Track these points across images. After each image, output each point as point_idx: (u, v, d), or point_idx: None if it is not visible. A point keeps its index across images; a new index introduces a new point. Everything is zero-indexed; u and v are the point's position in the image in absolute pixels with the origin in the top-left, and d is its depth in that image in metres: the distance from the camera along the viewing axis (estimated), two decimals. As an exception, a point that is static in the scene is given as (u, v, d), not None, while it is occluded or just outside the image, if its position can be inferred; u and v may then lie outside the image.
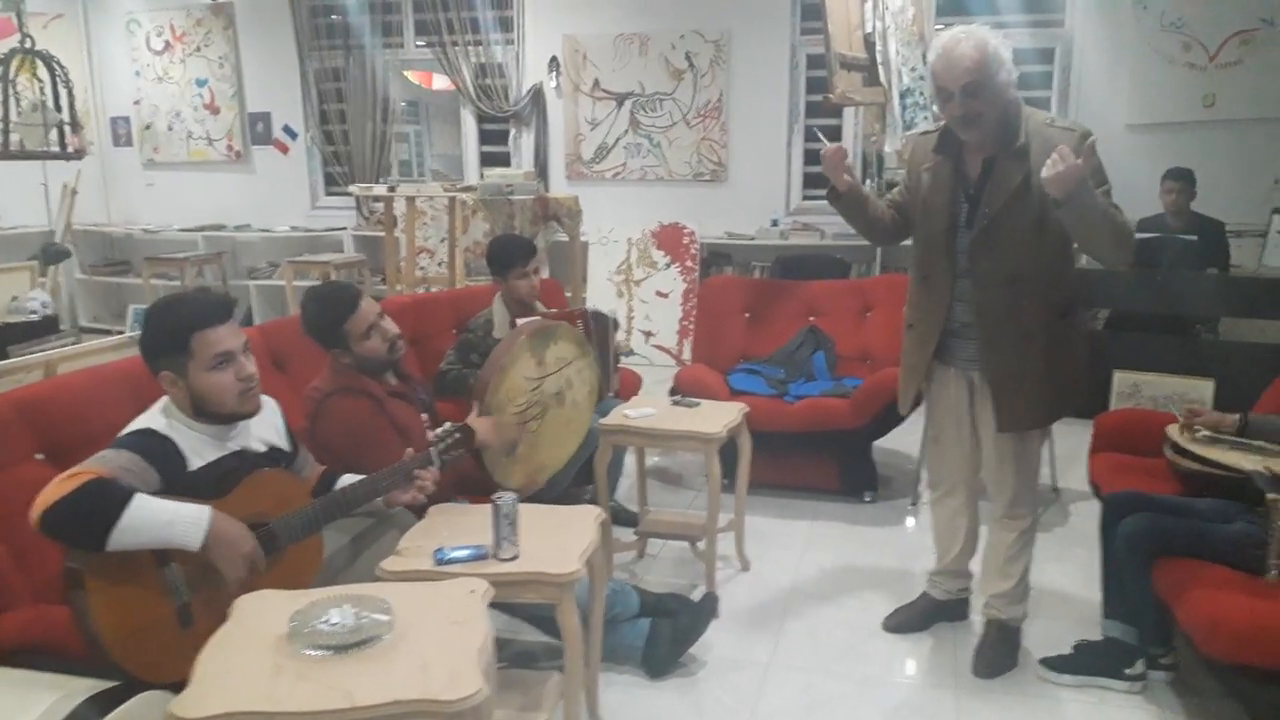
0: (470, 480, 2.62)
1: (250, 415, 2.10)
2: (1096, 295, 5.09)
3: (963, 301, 2.60)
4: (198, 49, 7.81)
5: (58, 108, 5.83)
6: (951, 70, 2.38)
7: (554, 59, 7.02)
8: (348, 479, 2.26)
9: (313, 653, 1.57)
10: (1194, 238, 5.03)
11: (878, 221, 2.74)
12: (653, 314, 6.82)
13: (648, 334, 6.82)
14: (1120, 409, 4.26)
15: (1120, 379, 4.56)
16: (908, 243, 2.79)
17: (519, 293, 3.60)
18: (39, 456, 2.19)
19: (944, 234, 2.57)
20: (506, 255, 3.61)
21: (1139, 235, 5.14)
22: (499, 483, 2.59)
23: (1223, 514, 2.55)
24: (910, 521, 3.90)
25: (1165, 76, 5.89)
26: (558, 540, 2.17)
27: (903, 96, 5.07)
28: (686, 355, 6.44)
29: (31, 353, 3.76)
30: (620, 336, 4.45)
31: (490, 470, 2.59)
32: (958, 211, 2.55)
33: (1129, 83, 5.98)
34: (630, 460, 3.75)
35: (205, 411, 2.02)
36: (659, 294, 6.83)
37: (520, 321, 3.08)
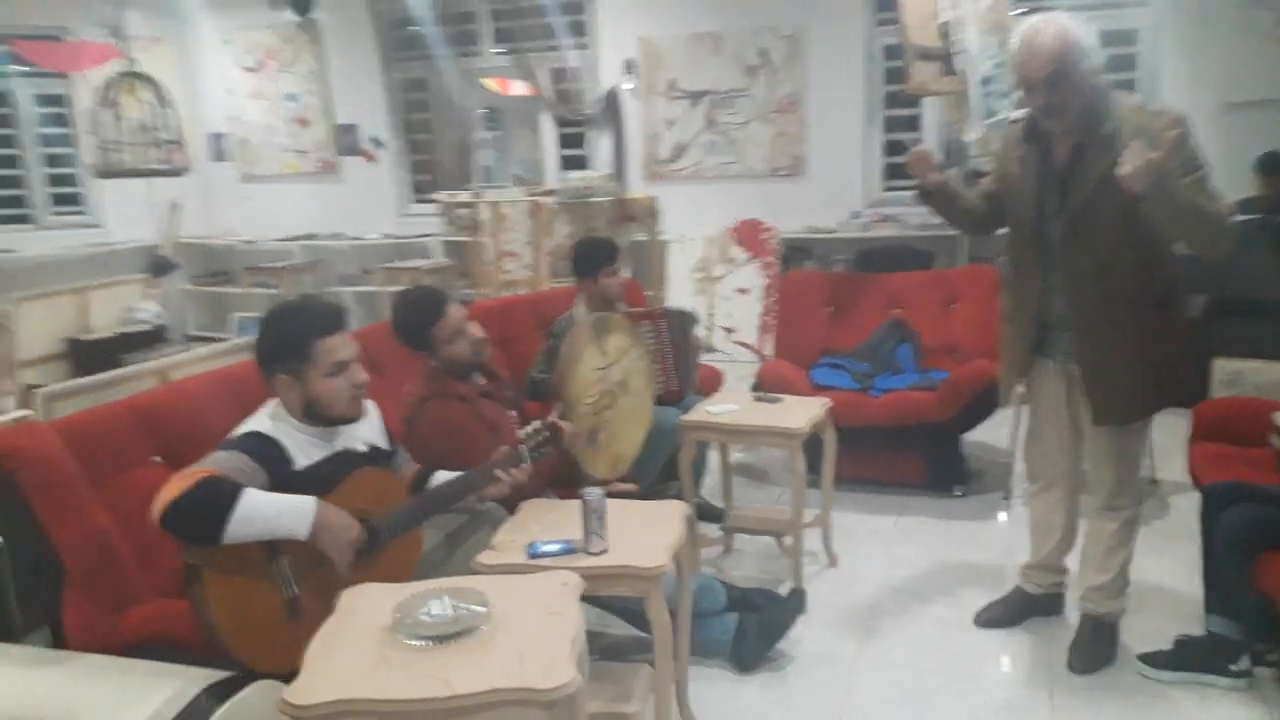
0: (560, 475, 2.68)
1: (357, 419, 2.20)
2: (1195, 281, 4.91)
3: (1056, 292, 2.55)
4: (288, 65, 8.10)
5: (161, 127, 6.13)
6: (1033, 61, 2.35)
7: (629, 61, 7.07)
8: (441, 476, 2.34)
9: (414, 643, 1.64)
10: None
11: (970, 214, 2.73)
12: (733, 311, 6.81)
13: (729, 330, 6.82)
14: (1221, 397, 4.11)
15: (1221, 367, 4.39)
16: (1003, 231, 2.76)
17: (610, 291, 3.65)
18: (156, 459, 2.32)
19: (1032, 223, 2.54)
20: (595, 254, 3.68)
21: (1241, 218, 4.96)
22: (589, 474, 2.66)
23: (1331, 505, 2.45)
24: (1003, 516, 3.83)
25: (1259, 53, 5.65)
26: (645, 535, 2.21)
27: (983, 84, 4.97)
28: (768, 351, 6.42)
29: (145, 360, 3.97)
30: (700, 333, 4.48)
31: (580, 462, 2.66)
32: (1046, 200, 2.51)
33: (1220, 61, 5.74)
34: (714, 456, 3.77)
35: (315, 414, 2.13)
36: (739, 290, 6.82)
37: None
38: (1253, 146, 5.16)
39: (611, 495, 2.21)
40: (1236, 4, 5.66)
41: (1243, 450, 3.01)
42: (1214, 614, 2.60)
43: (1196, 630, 2.65)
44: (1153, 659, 2.62)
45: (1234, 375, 4.38)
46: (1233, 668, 2.51)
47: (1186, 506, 3.59)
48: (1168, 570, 3.20)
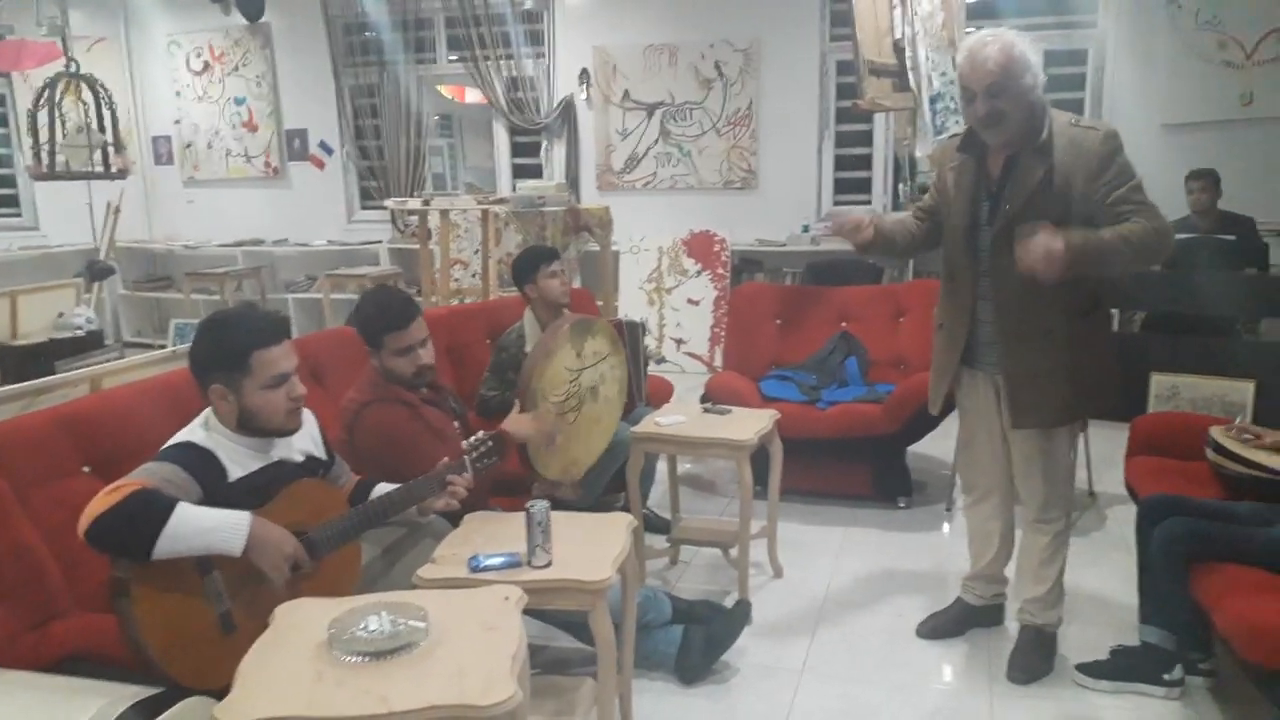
0: (507, 479, 2.65)
1: (293, 432, 2.15)
2: (1133, 297, 5.03)
3: (986, 300, 2.61)
4: (236, 68, 7.98)
5: (101, 129, 5.99)
6: (976, 71, 2.41)
7: (584, 71, 7.08)
8: (383, 488, 2.30)
9: (351, 659, 1.60)
10: (1232, 237, 4.97)
11: (911, 244, 2.77)
12: (684, 322, 6.84)
13: (679, 342, 6.84)
14: (1158, 412, 4.20)
15: (1158, 381, 4.49)
16: None
17: (551, 293, 3.61)
18: (86, 469, 2.24)
19: (966, 232, 2.59)
20: (533, 257, 3.64)
21: (1179, 237, 5.08)
22: (539, 472, 2.64)
23: (1262, 517, 2.51)
24: (945, 527, 3.88)
25: (1201, 75, 5.82)
26: (590, 547, 2.19)
27: (933, 101, 5.05)
28: (718, 363, 6.45)
29: (78, 368, 3.86)
30: (649, 342, 4.48)
31: (531, 460, 2.63)
32: (979, 210, 2.57)
33: (1164, 82, 5.91)
34: (662, 467, 3.77)
35: (251, 426, 2.07)
36: (690, 301, 6.85)
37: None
38: (1187, 167, 5.30)
39: (551, 498, 2.20)
40: (1179, 28, 5.83)
41: (1179, 464, 3.08)
42: (1149, 624, 2.64)
43: (1132, 640, 2.69)
44: (1090, 669, 2.66)
45: (1171, 390, 4.48)
46: (1166, 677, 2.56)
47: (1124, 518, 3.66)
48: (1105, 581, 3.26)
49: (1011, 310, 2.53)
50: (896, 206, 6.47)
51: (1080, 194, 2.41)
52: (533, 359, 2.72)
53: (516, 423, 2.54)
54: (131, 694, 1.71)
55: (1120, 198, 2.38)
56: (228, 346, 2.05)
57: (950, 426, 3.85)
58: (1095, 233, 2.37)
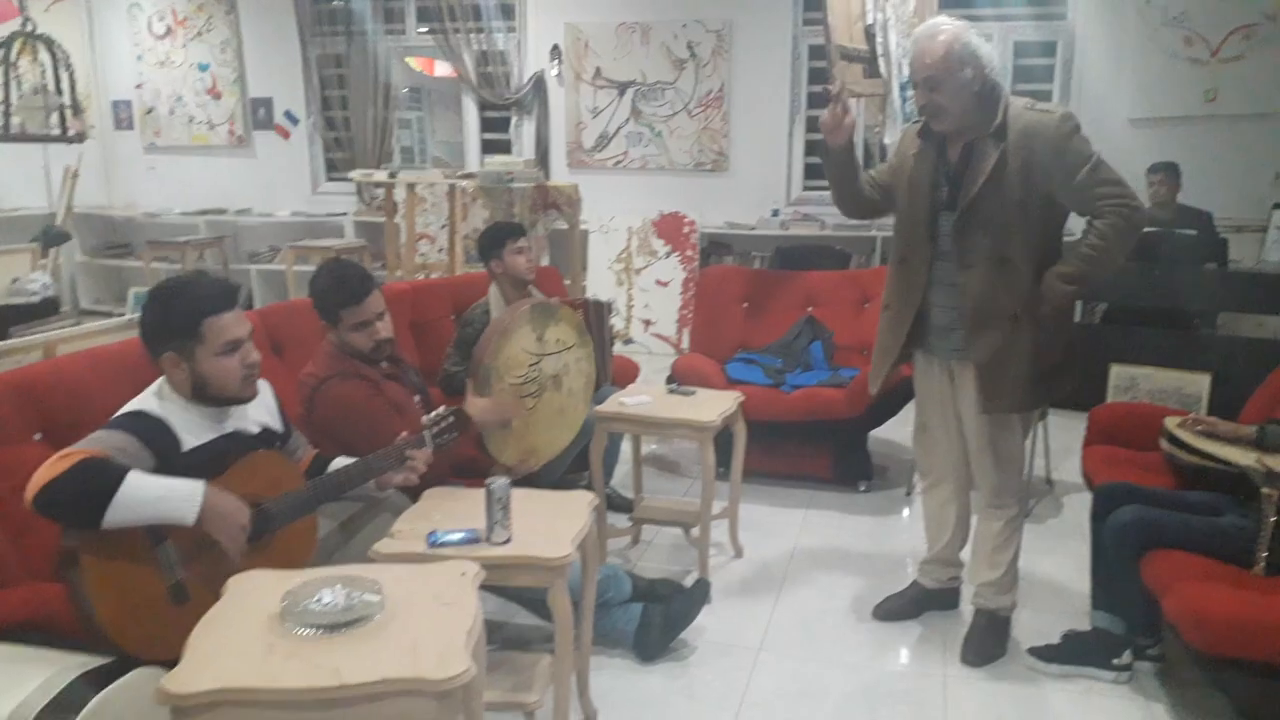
0: (465, 461, 2.64)
1: (249, 400, 2.12)
2: (1095, 289, 5.09)
3: (944, 285, 2.62)
4: (199, 33, 7.81)
5: (59, 91, 5.84)
6: (916, 62, 2.47)
7: (555, 47, 7.01)
8: (340, 462, 2.28)
9: (304, 631, 1.58)
10: (1192, 232, 5.04)
11: (857, 195, 2.76)
12: (652, 303, 6.83)
13: (647, 323, 6.84)
14: (1116, 402, 4.27)
15: (1117, 372, 4.58)
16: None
17: (517, 269, 3.58)
18: (37, 437, 2.20)
19: (925, 216, 2.61)
20: (499, 233, 3.62)
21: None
22: (493, 455, 2.62)
23: (1213, 507, 2.57)
24: (905, 512, 3.91)
25: (1167, 71, 5.89)
26: (551, 524, 2.18)
27: (903, 88, 5.07)
28: (685, 344, 6.45)
29: (32, 334, 3.77)
30: (615, 322, 4.46)
31: (486, 443, 2.61)
32: (939, 195, 2.59)
33: (1130, 77, 5.97)
34: (626, 447, 3.77)
35: (205, 395, 2.04)
36: (659, 283, 6.84)
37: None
38: (1151, 162, 5.37)
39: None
40: (1147, 23, 5.88)
41: (1134, 454, 3.13)
42: (1100, 610, 2.70)
43: (1084, 626, 2.75)
44: (1041, 652, 2.70)
45: (1129, 381, 4.56)
46: (1115, 662, 2.61)
47: (1079, 506, 3.71)
48: (1059, 567, 3.31)
49: (978, 293, 2.54)
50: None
51: (1041, 176, 2.44)
52: (487, 337, 2.69)
53: (469, 404, 2.52)
54: (79, 663, 1.69)
55: (1085, 181, 2.41)
56: (179, 313, 2.01)
57: (911, 412, 3.89)
58: (1082, 254, 2.45)
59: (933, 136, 2.60)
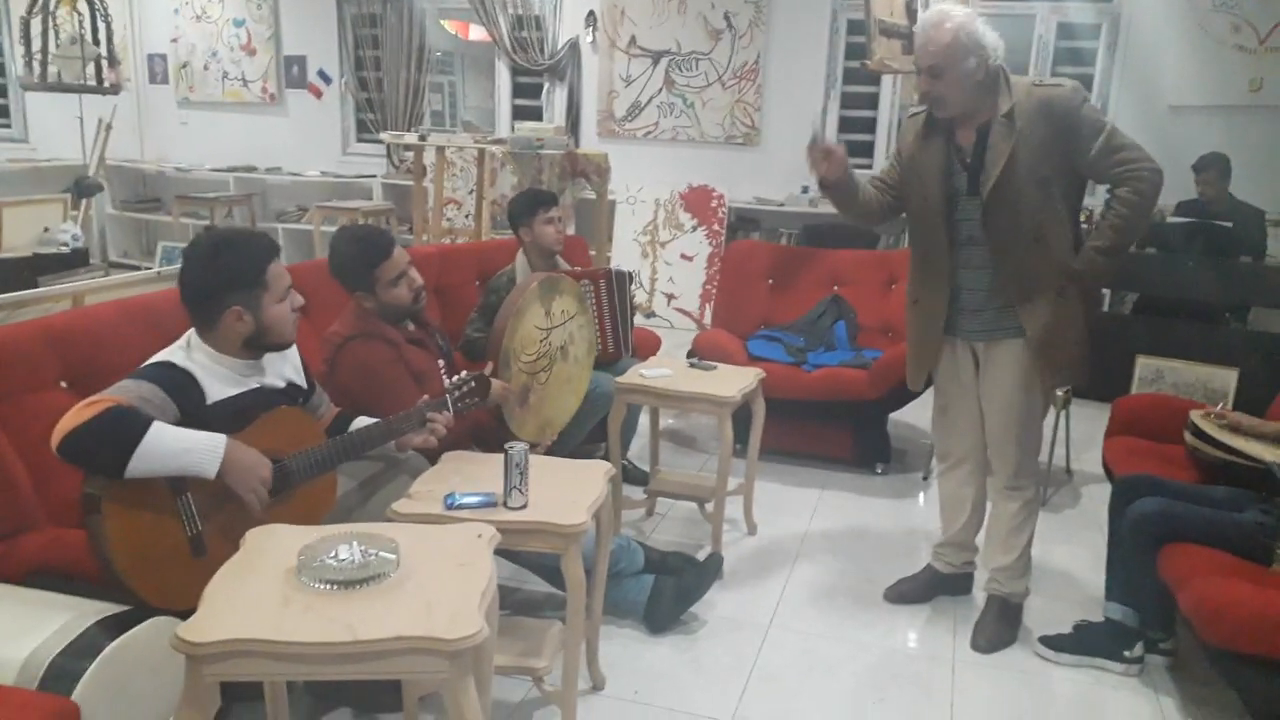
0: (485, 432, 2.65)
1: (289, 346, 2.20)
2: (1126, 278, 5.03)
3: (970, 269, 2.61)
4: (236, -11, 7.81)
5: (95, 42, 5.87)
6: (921, 49, 2.47)
7: (591, 13, 6.95)
8: (362, 420, 2.30)
9: (319, 586, 1.60)
10: (1229, 224, 4.95)
11: (867, 207, 2.75)
12: (676, 276, 6.81)
13: (670, 297, 6.82)
14: (1141, 393, 4.23)
15: (1143, 364, 4.52)
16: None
17: (546, 239, 3.58)
18: (63, 384, 2.23)
19: (942, 206, 2.58)
20: (531, 200, 3.61)
21: (1175, 220, 5.06)
22: (514, 433, 2.63)
23: (1235, 503, 2.54)
24: (921, 496, 3.90)
25: (1213, 58, 5.76)
26: (567, 492, 2.19)
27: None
28: (708, 320, 6.43)
29: (61, 284, 3.82)
30: (637, 293, 4.45)
31: (507, 420, 2.63)
32: (955, 182, 2.57)
33: (1175, 63, 5.85)
34: (644, 420, 3.77)
35: (260, 343, 2.09)
36: (684, 257, 6.81)
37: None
38: (1195, 150, 5.26)
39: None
40: (1196, 8, 5.75)
41: (1157, 446, 3.10)
42: (1114, 601, 2.68)
43: (1097, 617, 2.73)
44: (1052, 641, 2.70)
45: (1155, 373, 4.50)
46: (1127, 654, 2.60)
47: (1098, 497, 3.69)
48: (1075, 557, 3.30)
49: (1018, 277, 2.54)
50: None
51: (1060, 148, 2.45)
52: (503, 318, 2.70)
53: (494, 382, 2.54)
54: (98, 610, 1.72)
55: (1102, 149, 2.44)
56: (246, 263, 2.05)
57: (930, 396, 3.87)
58: (1112, 224, 2.47)
59: (939, 124, 2.58)
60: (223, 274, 2.04)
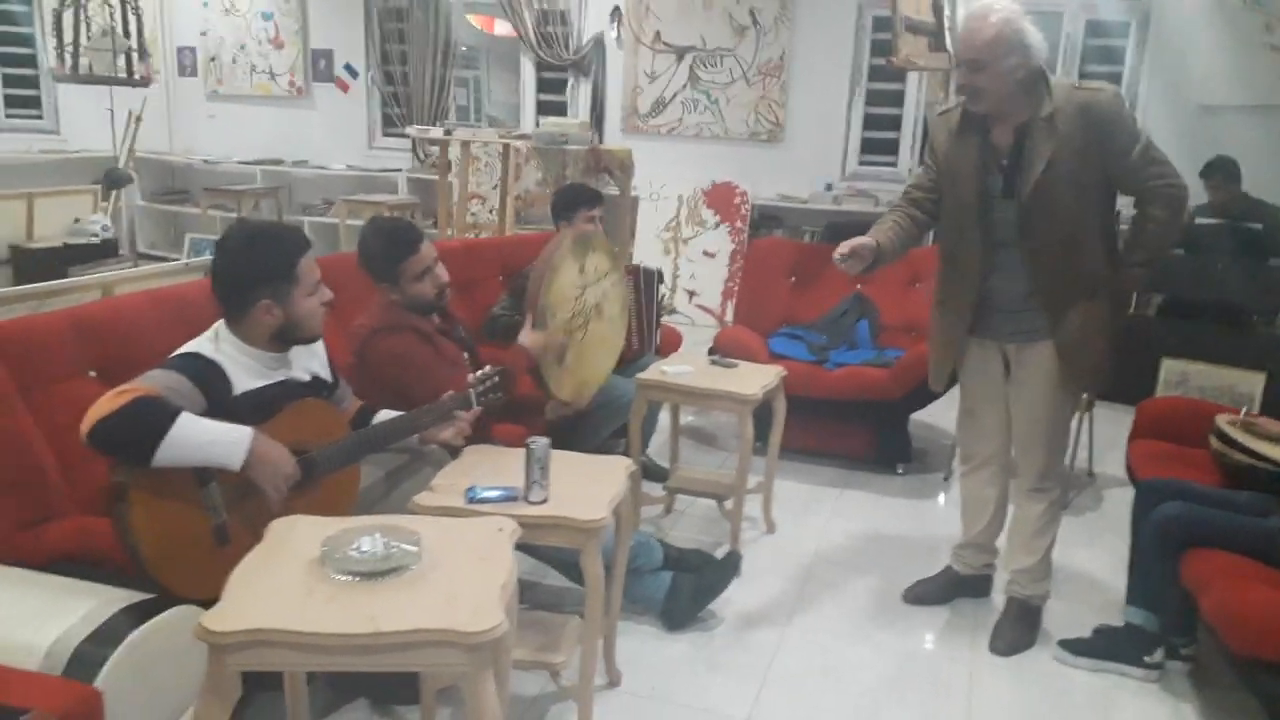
0: (521, 402, 2.67)
1: (317, 340, 2.22)
2: (1152, 280, 4.97)
3: (1004, 271, 2.59)
4: (264, -18, 7.86)
5: (126, 34, 5.93)
6: (964, 42, 2.44)
7: (616, 9, 6.95)
8: (385, 414, 2.32)
9: (342, 578, 1.62)
10: (1258, 225, 4.89)
11: (912, 237, 2.73)
12: (698, 273, 6.80)
13: (691, 294, 6.81)
14: (1166, 396, 4.19)
15: (1169, 367, 4.47)
16: None
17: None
18: (91, 373, 2.26)
19: (976, 206, 2.56)
20: (575, 196, 3.63)
21: (1204, 222, 5.00)
22: (551, 392, 2.67)
23: (1260, 508, 2.51)
24: (941, 496, 3.89)
25: (1244, 57, 5.68)
26: (587, 488, 2.20)
27: (968, 65, 4.95)
28: (729, 317, 6.43)
29: (91, 274, 3.86)
30: (663, 292, 4.46)
31: (545, 378, 2.65)
32: (989, 183, 2.54)
33: (1205, 62, 5.77)
34: (665, 417, 3.78)
35: (290, 337, 2.11)
36: (706, 253, 6.81)
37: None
38: (1225, 150, 5.20)
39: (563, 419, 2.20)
40: (1227, 6, 5.67)
41: (1181, 449, 3.07)
42: (1135, 606, 2.65)
43: (1117, 621, 2.71)
44: (1071, 646, 2.68)
45: (1181, 376, 4.46)
46: (1147, 659, 2.58)
47: (1121, 501, 3.66)
48: (1096, 561, 3.27)
49: (1053, 281, 2.53)
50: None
51: (1098, 155, 2.43)
52: (538, 274, 2.72)
53: (529, 337, 2.56)
54: (123, 597, 1.74)
55: (1138, 160, 2.42)
56: (277, 258, 2.08)
57: (955, 396, 3.84)
58: (1149, 237, 2.51)
59: (974, 123, 2.55)
60: (255, 267, 2.07)
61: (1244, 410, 3.01)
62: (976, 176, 2.55)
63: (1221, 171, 5.05)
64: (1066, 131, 2.41)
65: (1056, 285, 2.53)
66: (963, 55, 2.46)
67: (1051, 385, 2.60)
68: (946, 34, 4.84)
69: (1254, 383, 4.18)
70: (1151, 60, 5.94)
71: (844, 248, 2.59)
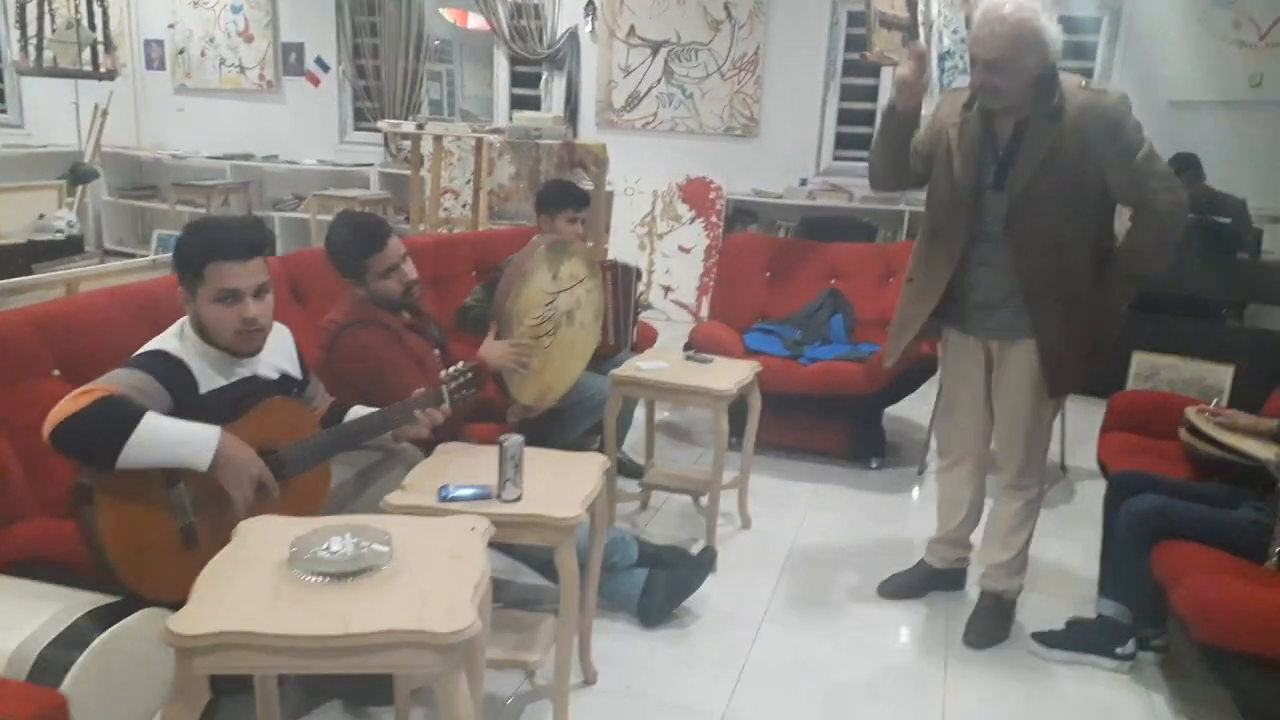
0: (483, 404, 2.65)
1: (247, 355, 2.09)
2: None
3: (988, 265, 2.57)
4: (233, -26, 7.76)
5: (92, 27, 5.83)
6: (983, 41, 2.37)
7: (590, 2, 6.92)
8: (357, 411, 2.29)
9: (311, 578, 1.59)
10: (1226, 220, 4.95)
11: (904, 163, 2.66)
12: (673, 269, 6.80)
13: (667, 289, 6.80)
14: (1136, 390, 4.23)
15: (1139, 361, 4.52)
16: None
17: (564, 237, 3.58)
18: (55, 372, 2.21)
19: (968, 193, 2.53)
20: (562, 195, 3.59)
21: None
22: (513, 396, 2.65)
23: (1230, 499, 2.54)
24: (915, 490, 3.90)
25: (1213, 53, 5.74)
26: (561, 485, 2.19)
27: (942, 59, 4.99)
28: (704, 313, 6.42)
29: (55, 272, 3.80)
30: (641, 289, 4.45)
31: (506, 385, 2.63)
32: (985, 172, 2.52)
33: (1175, 57, 5.83)
34: (640, 413, 3.77)
35: (205, 336, 2.05)
36: (681, 249, 6.80)
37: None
38: (1196, 146, 5.25)
39: (526, 421, 2.18)
40: (1197, 2, 5.73)
41: (1152, 442, 3.10)
42: (1107, 598, 2.68)
43: (1089, 613, 2.73)
44: (1044, 638, 2.70)
45: (1151, 369, 4.50)
46: (1119, 650, 2.60)
47: (1093, 493, 3.69)
48: (1068, 554, 3.30)
49: (1035, 280, 2.50)
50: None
51: (1097, 158, 2.38)
52: (508, 280, 2.70)
53: (489, 348, 2.54)
54: (88, 600, 1.71)
55: (1140, 168, 2.37)
56: (189, 249, 2.02)
57: (928, 391, 3.87)
58: (1147, 246, 2.45)
59: (980, 109, 2.51)
60: (176, 253, 2.05)
61: (1214, 402, 3.03)
62: (973, 162, 2.52)
63: (1188, 170, 5.10)
64: (1066, 131, 2.37)
65: (1039, 287, 2.50)
66: (980, 54, 2.37)
67: (1034, 384, 2.59)
68: (919, 28, 4.85)
69: (1223, 375, 4.24)
70: (1122, 56, 5.99)
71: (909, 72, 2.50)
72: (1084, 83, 2.47)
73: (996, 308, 2.60)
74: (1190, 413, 2.91)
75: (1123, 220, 2.55)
